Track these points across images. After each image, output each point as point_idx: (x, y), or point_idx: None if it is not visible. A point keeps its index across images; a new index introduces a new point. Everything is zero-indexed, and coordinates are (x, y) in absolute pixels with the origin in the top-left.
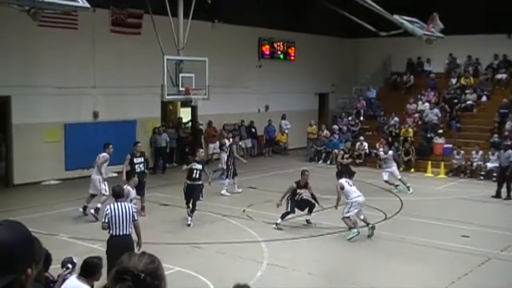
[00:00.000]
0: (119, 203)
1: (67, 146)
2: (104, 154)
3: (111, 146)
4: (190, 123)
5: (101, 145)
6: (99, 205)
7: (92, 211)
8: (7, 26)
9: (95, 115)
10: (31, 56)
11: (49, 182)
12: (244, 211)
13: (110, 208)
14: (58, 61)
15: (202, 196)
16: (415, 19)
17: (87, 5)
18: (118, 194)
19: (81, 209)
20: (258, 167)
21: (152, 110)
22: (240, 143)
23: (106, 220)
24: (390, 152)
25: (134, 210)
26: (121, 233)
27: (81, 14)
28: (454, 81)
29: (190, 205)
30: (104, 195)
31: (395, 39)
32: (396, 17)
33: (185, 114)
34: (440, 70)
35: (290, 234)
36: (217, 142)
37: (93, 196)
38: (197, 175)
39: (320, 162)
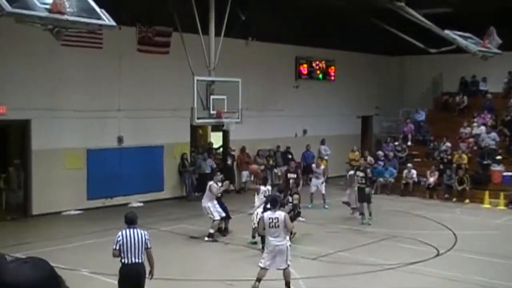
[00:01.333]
0: (131, 230)
1: (89, 173)
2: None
3: (218, 174)
4: (221, 149)
5: (125, 172)
6: (211, 231)
7: (206, 238)
8: (29, 46)
9: (120, 140)
10: (53, 77)
11: (70, 212)
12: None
13: (122, 235)
14: (81, 82)
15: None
16: (468, 34)
17: (113, 23)
18: (131, 220)
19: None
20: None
21: (180, 135)
22: (275, 170)
23: (117, 247)
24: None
25: (147, 237)
26: (133, 261)
27: (106, 32)
28: None
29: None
30: (215, 220)
31: (446, 56)
32: (447, 32)
33: (216, 139)
34: (497, 89)
35: (331, 270)
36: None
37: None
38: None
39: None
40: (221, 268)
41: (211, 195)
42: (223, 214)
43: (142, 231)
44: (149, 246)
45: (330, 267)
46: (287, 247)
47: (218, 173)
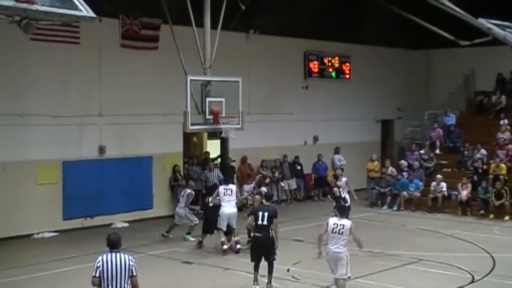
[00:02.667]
0: (114, 254)
1: (65, 189)
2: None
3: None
4: (219, 160)
5: (108, 187)
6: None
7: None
8: None
9: (101, 150)
10: (21, 78)
11: (43, 234)
12: (288, 270)
13: (102, 260)
14: (55, 83)
15: None
16: (507, 23)
17: (92, 14)
18: (113, 244)
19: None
20: (305, 213)
21: (172, 144)
22: (281, 183)
23: (97, 275)
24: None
25: (132, 263)
26: None
27: (84, 25)
28: None
29: None
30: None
31: (480, 50)
32: (482, 21)
33: (213, 148)
34: None
35: None
36: (254, 183)
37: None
38: None
39: (385, 207)
40: None
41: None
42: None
43: (126, 256)
44: (134, 273)
45: None
46: (346, 256)
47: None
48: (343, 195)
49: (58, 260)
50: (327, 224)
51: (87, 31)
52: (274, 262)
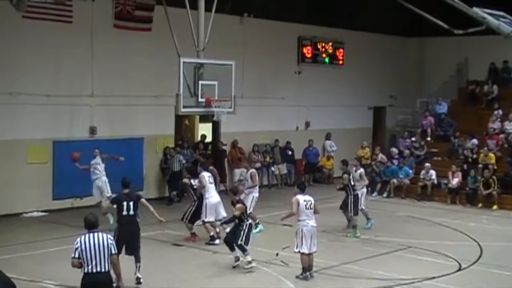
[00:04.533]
0: (91, 235)
1: (56, 169)
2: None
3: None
4: (210, 143)
5: None
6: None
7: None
8: None
9: (92, 130)
10: (13, 56)
11: (32, 214)
12: (277, 255)
13: (80, 241)
14: (46, 62)
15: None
16: (501, 13)
17: None
18: (91, 224)
19: None
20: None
21: (163, 126)
22: (272, 168)
23: (77, 255)
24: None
25: (111, 241)
26: (95, 270)
27: (77, 4)
28: None
29: None
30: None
31: (473, 39)
32: (476, 10)
33: (205, 131)
34: None
35: (336, 285)
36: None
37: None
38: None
39: (375, 194)
40: (207, 279)
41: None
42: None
43: (104, 235)
44: (113, 252)
45: (334, 282)
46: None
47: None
48: (352, 183)
49: (47, 240)
50: (298, 202)
51: (80, 11)
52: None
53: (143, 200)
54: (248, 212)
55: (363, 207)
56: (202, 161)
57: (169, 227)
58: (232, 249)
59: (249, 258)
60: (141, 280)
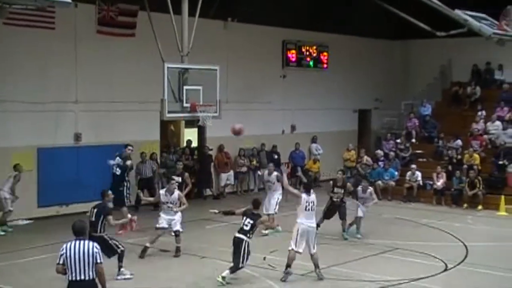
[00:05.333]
0: (78, 242)
1: (40, 176)
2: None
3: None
4: (196, 148)
5: (84, 175)
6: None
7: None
8: None
9: (77, 137)
10: None
11: (17, 222)
12: (264, 258)
13: (66, 248)
14: (29, 69)
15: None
16: (483, 15)
17: None
18: (79, 231)
19: None
20: (282, 202)
21: (149, 132)
22: (259, 172)
23: (61, 262)
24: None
25: (97, 250)
26: (79, 278)
27: (60, 10)
28: None
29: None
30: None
31: (456, 41)
32: (458, 12)
33: (190, 136)
34: None
35: (324, 287)
36: (231, 172)
37: None
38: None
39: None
40: (195, 285)
41: None
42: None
43: (90, 243)
44: (98, 260)
45: (321, 285)
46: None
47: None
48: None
49: (32, 247)
50: (303, 198)
51: (62, 17)
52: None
53: (109, 217)
54: (275, 211)
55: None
56: (160, 171)
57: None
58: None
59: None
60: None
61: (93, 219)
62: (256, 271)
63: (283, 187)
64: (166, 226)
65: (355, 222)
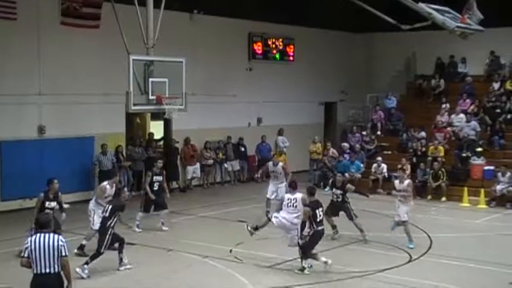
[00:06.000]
0: (42, 235)
1: (3, 169)
2: (104, 183)
3: (55, 181)
4: (162, 141)
5: (48, 168)
6: (83, 242)
7: (76, 251)
8: None
9: (41, 130)
10: None
11: None
12: (231, 251)
13: (31, 241)
14: None
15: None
16: (446, 8)
17: None
18: (42, 224)
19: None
20: (248, 195)
21: (114, 124)
22: (225, 165)
23: (26, 255)
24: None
25: (62, 243)
26: (44, 271)
27: (22, 1)
28: (496, 86)
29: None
30: (91, 229)
31: (420, 34)
32: (422, 5)
33: (156, 129)
34: (478, 72)
35: (289, 279)
36: (197, 164)
37: None
38: (158, 188)
39: (327, 188)
40: (161, 279)
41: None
42: None
43: (55, 237)
44: (63, 253)
45: (287, 276)
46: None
47: (117, 176)
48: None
49: None
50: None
51: (25, 7)
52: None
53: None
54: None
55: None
56: (126, 164)
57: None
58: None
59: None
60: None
61: (107, 214)
62: (223, 264)
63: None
64: None
65: (404, 230)
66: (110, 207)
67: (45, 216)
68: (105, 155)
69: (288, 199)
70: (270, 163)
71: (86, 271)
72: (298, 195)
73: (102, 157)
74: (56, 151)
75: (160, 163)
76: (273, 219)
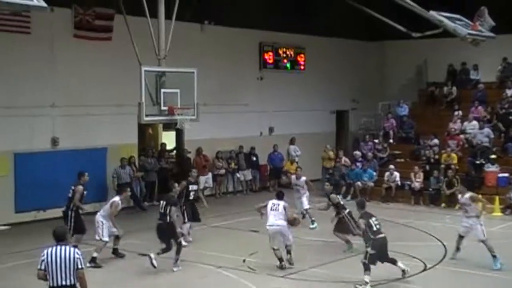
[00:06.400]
0: (59, 247)
1: (17, 181)
2: (79, 186)
3: (86, 175)
4: (175, 151)
5: (62, 179)
6: (95, 254)
7: (88, 264)
8: None
9: (54, 141)
10: None
11: None
12: (244, 261)
13: (47, 253)
14: (4, 73)
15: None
16: (457, 16)
17: (43, 3)
18: (59, 236)
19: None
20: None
21: (127, 135)
22: (237, 174)
23: (42, 267)
24: (467, 196)
25: (78, 256)
26: (60, 283)
27: (35, 14)
28: (509, 92)
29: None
30: (102, 240)
31: (432, 41)
32: (433, 13)
33: (168, 139)
34: (491, 78)
35: None
36: (209, 174)
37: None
38: (193, 197)
39: (340, 197)
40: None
41: (109, 212)
42: (117, 233)
43: (72, 249)
44: (80, 266)
45: (301, 286)
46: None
47: (128, 189)
48: (341, 202)
49: (11, 253)
50: (270, 202)
51: (38, 21)
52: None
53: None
54: (307, 208)
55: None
56: (138, 175)
57: (134, 236)
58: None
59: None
60: None
61: (162, 210)
62: (236, 274)
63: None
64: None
65: (487, 248)
66: (164, 203)
67: (61, 228)
68: (124, 168)
69: (272, 204)
70: (294, 177)
71: (180, 267)
72: (282, 202)
73: (121, 171)
74: (69, 163)
75: (194, 173)
76: (268, 228)
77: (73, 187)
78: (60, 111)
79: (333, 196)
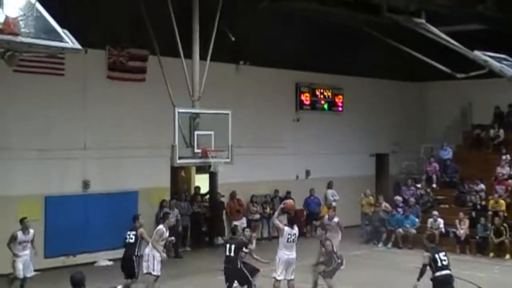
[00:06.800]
0: None
1: (47, 225)
2: (160, 226)
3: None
4: (208, 195)
5: (92, 223)
6: None
7: None
8: None
9: (85, 185)
10: (2, 110)
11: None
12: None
13: None
14: (38, 116)
15: None
16: (503, 56)
17: (77, 45)
18: (76, 283)
19: None
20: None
21: (159, 178)
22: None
23: None
24: None
25: None
26: None
27: (69, 56)
28: None
29: None
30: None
31: (476, 82)
32: (477, 53)
33: (201, 183)
34: None
35: None
36: (243, 219)
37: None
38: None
39: (380, 244)
40: None
41: (153, 239)
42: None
43: None
44: None
45: None
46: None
47: (168, 219)
48: (335, 250)
49: None
50: (286, 231)
51: (72, 62)
52: None
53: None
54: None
55: None
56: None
57: (168, 284)
58: None
59: None
60: None
61: (232, 254)
62: None
63: (341, 231)
64: None
65: None
66: (233, 246)
67: (79, 275)
68: (172, 210)
69: (289, 234)
70: (326, 217)
71: None
72: (296, 229)
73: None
74: (100, 206)
75: (247, 231)
76: (280, 255)
77: (133, 232)
78: (92, 153)
79: (328, 243)
